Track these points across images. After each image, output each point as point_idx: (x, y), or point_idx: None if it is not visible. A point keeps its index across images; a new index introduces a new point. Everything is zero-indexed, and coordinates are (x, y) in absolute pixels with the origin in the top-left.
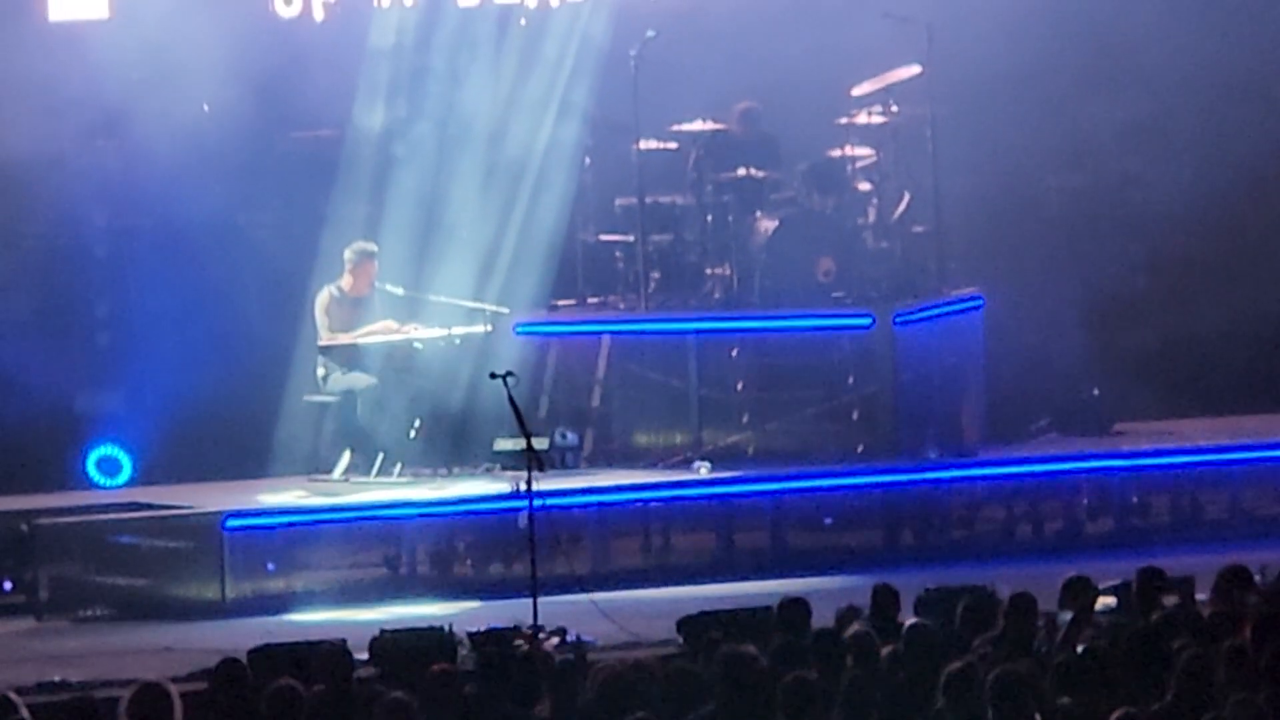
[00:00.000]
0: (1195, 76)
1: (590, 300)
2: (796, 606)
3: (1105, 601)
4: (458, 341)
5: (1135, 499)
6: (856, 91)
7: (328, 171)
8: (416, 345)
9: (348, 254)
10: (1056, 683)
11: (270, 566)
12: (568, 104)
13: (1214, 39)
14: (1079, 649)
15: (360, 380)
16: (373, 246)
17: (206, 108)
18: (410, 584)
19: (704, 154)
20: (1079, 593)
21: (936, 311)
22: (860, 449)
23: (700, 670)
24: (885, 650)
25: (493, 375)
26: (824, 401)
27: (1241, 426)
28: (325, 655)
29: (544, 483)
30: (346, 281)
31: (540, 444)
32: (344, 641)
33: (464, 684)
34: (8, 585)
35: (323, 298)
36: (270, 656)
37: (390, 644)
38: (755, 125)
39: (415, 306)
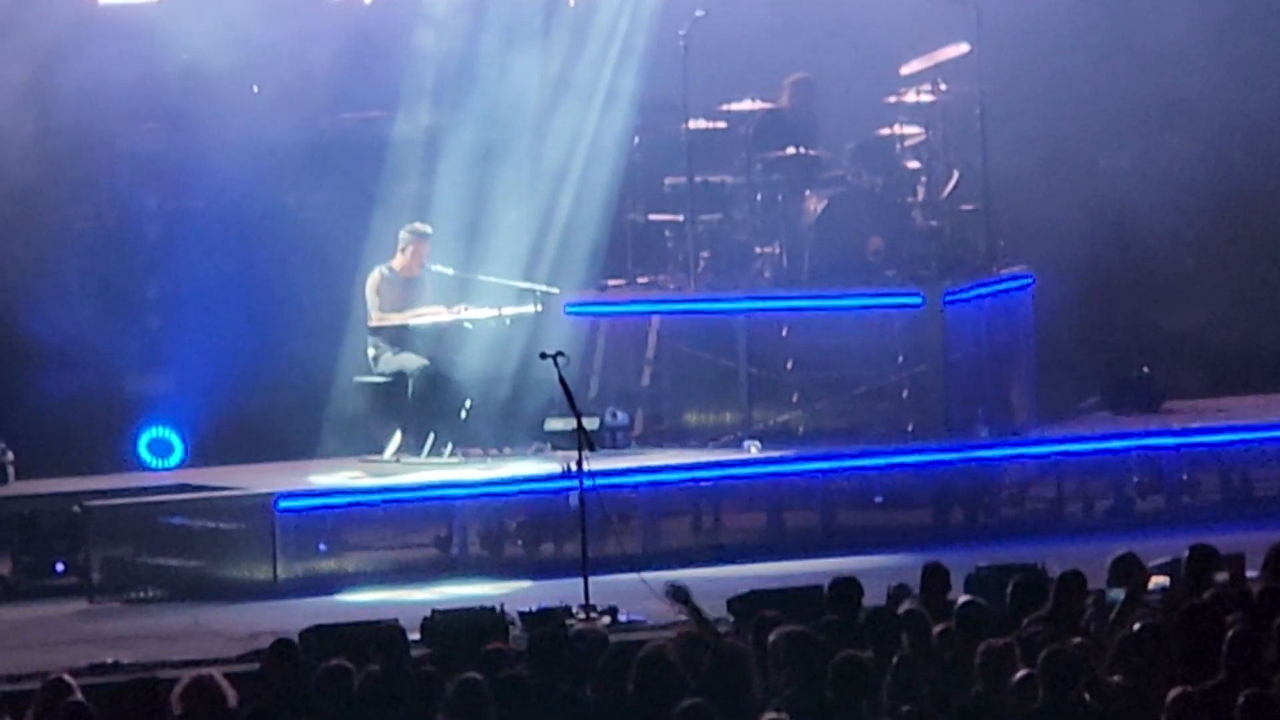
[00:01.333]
0: (1243, 55)
1: (640, 280)
2: (849, 586)
3: (1159, 581)
4: (508, 322)
5: (1185, 476)
6: (905, 70)
7: (377, 153)
8: (467, 326)
9: (402, 234)
10: (1109, 661)
11: (322, 547)
12: (616, 84)
13: (1262, 18)
14: (1134, 627)
15: (411, 361)
16: (427, 228)
17: (256, 89)
18: (461, 564)
19: (753, 133)
20: (1129, 571)
21: (986, 290)
22: (910, 428)
23: (751, 649)
24: (937, 629)
25: (543, 355)
26: (874, 380)
27: None
28: (381, 635)
29: (594, 462)
30: (398, 261)
31: (591, 424)
32: (396, 621)
33: (516, 663)
34: (60, 567)
35: (374, 278)
36: (324, 637)
37: (442, 624)
38: (807, 97)
39: (465, 287)
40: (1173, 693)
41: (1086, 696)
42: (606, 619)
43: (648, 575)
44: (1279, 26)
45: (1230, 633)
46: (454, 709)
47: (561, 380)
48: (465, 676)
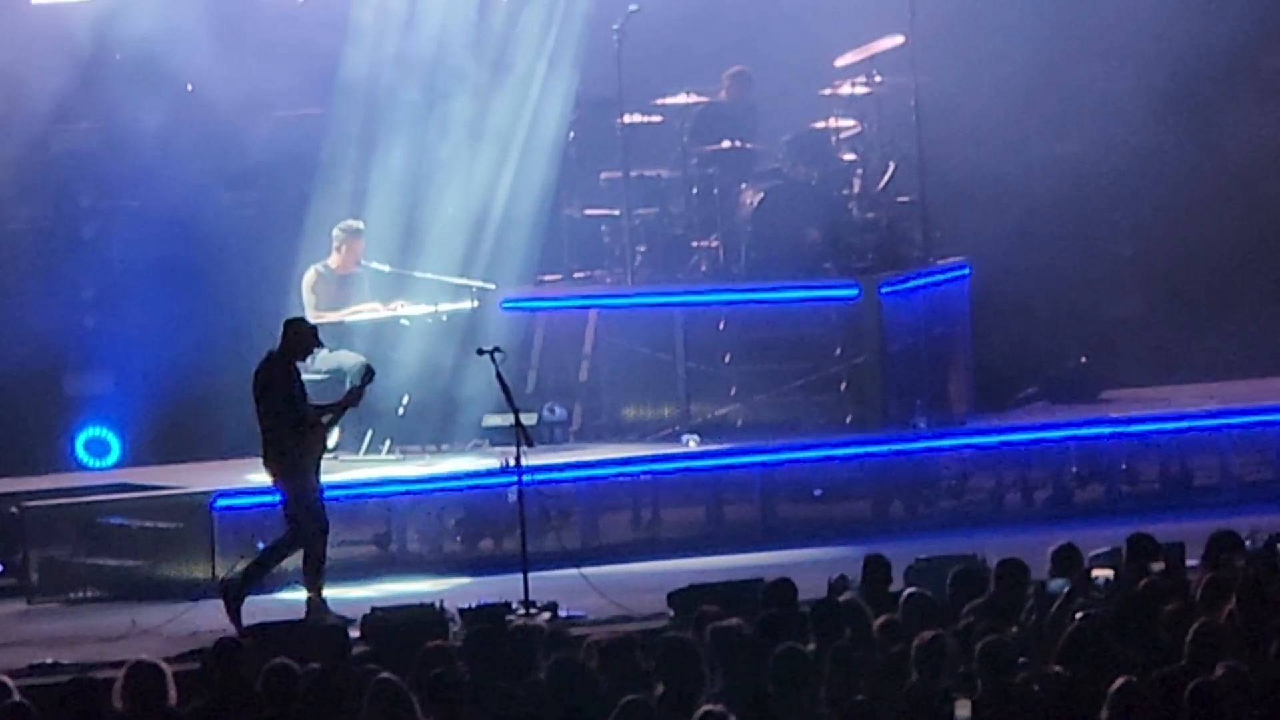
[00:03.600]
0: (1179, 45)
1: (577, 275)
2: (783, 588)
3: (1103, 573)
4: (445, 318)
5: (1124, 466)
6: (840, 62)
7: (313, 150)
8: (404, 322)
9: (335, 232)
10: (1049, 652)
11: (261, 545)
12: (551, 80)
13: (1198, 8)
14: (1076, 617)
15: (348, 358)
16: (359, 224)
17: (190, 88)
18: (400, 561)
19: (692, 126)
20: (1069, 561)
21: (923, 281)
22: (848, 420)
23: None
24: (879, 620)
25: (480, 351)
26: (812, 373)
27: (1229, 392)
28: (322, 634)
29: (533, 458)
30: (334, 259)
31: (529, 419)
32: (342, 619)
33: (456, 660)
34: None
35: (309, 277)
36: (265, 635)
37: (381, 621)
38: (746, 90)
39: (402, 283)
40: (1116, 683)
41: (1030, 687)
42: (546, 615)
43: (587, 570)
44: (1214, 17)
45: (1174, 622)
46: (376, 709)
47: (499, 376)
48: (382, 677)
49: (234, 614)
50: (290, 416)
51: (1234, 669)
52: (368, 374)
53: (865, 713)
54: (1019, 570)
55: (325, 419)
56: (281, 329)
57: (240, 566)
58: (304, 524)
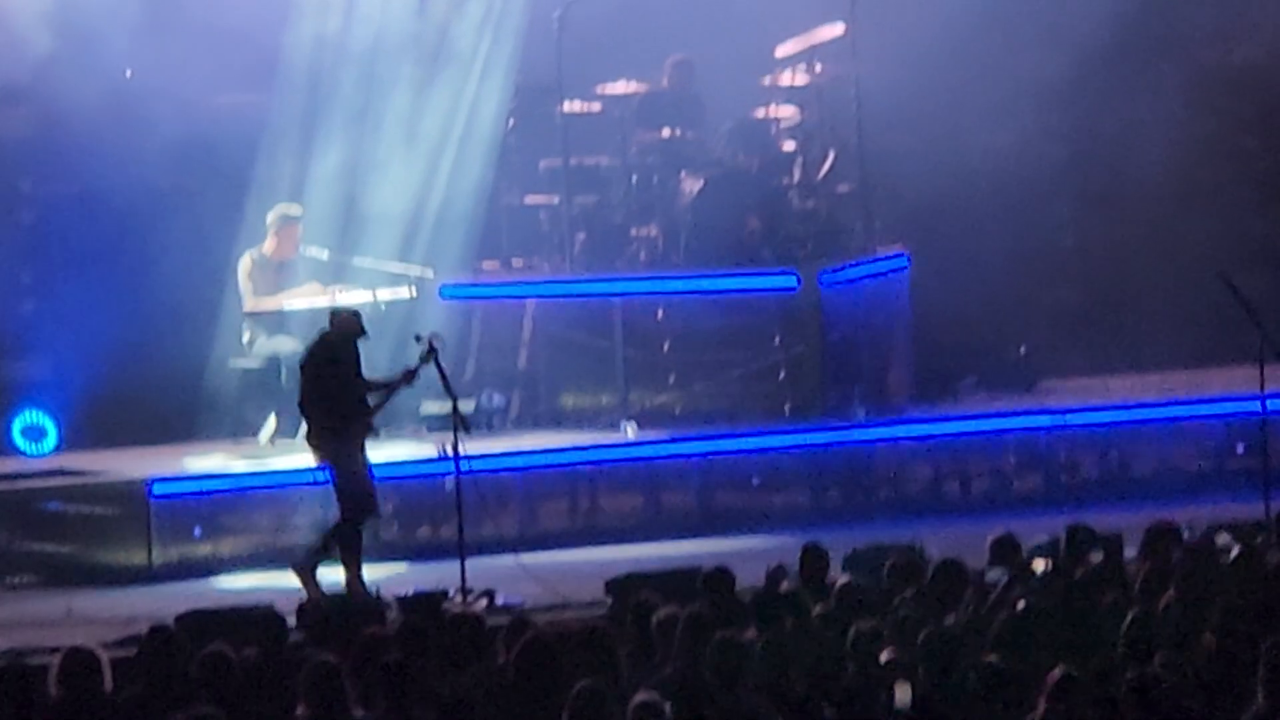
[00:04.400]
0: (1117, 34)
1: (515, 262)
2: (720, 577)
3: (1042, 564)
4: (383, 306)
5: (1063, 456)
6: (780, 51)
7: (251, 137)
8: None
9: (270, 218)
10: (987, 641)
11: (197, 532)
12: (491, 66)
13: None
14: (1016, 607)
15: (285, 345)
16: (296, 210)
17: (129, 73)
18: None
19: (635, 113)
20: (1007, 551)
21: (862, 271)
22: (787, 409)
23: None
24: (817, 609)
25: (417, 338)
26: (751, 362)
27: (1168, 383)
28: (257, 620)
29: (470, 445)
30: (269, 245)
31: (466, 406)
32: (273, 606)
33: (391, 648)
34: None
35: (245, 263)
36: (201, 622)
37: (318, 609)
38: (687, 79)
39: (340, 270)
40: (1054, 673)
41: (968, 676)
42: (483, 602)
43: (525, 558)
44: (1150, 4)
45: (1112, 612)
46: (310, 691)
47: (437, 363)
48: (319, 660)
49: (309, 583)
50: (356, 392)
51: (1171, 660)
52: (430, 351)
53: (802, 701)
54: (958, 568)
55: (375, 399)
56: (331, 320)
57: (311, 546)
58: (359, 501)
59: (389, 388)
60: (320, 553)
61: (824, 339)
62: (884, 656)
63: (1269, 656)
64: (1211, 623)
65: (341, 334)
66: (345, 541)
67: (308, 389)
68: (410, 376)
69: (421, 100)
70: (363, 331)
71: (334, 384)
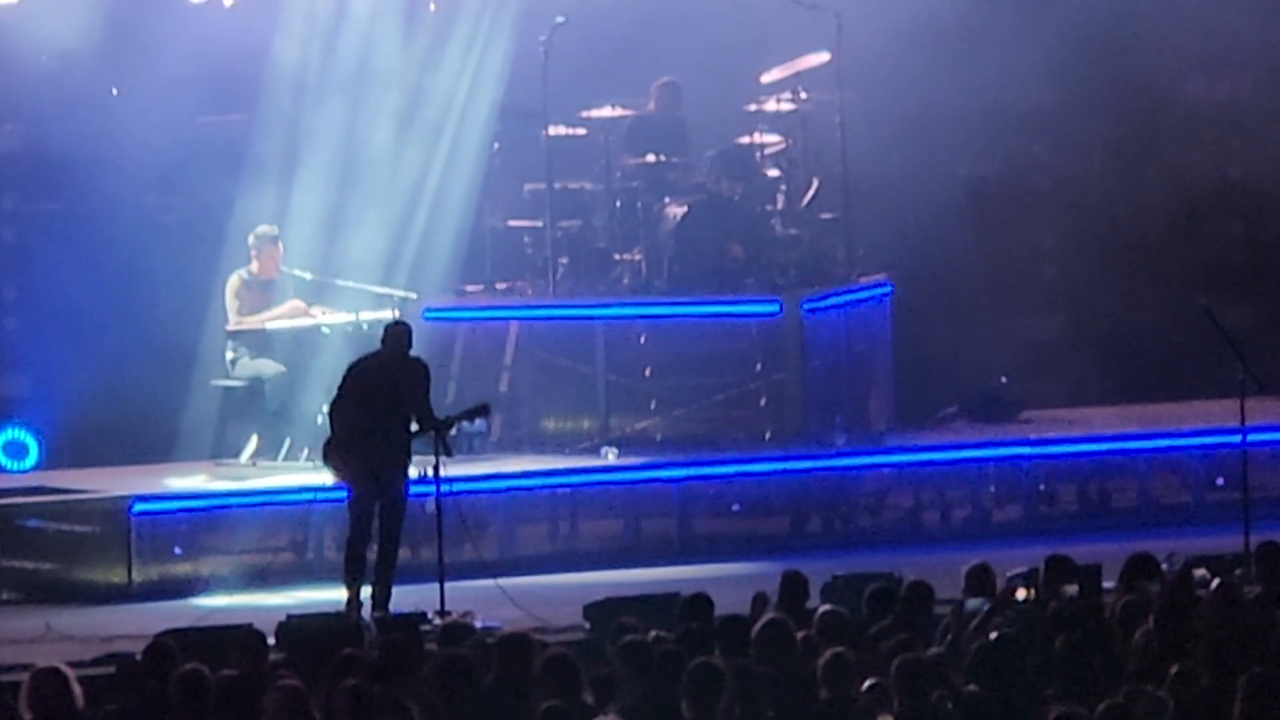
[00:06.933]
0: (1101, 65)
1: (498, 286)
2: (699, 603)
3: (1021, 594)
4: (365, 327)
5: (1043, 487)
6: (765, 78)
7: (236, 157)
8: (324, 330)
9: (250, 239)
10: (965, 670)
11: (177, 551)
12: (477, 90)
13: (1121, 32)
14: (991, 637)
15: (268, 366)
16: (274, 230)
17: (115, 92)
18: (317, 568)
19: (622, 138)
20: (983, 581)
21: (845, 298)
22: (768, 436)
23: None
24: (797, 637)
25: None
26: (732, 388)
27: (1149, 415)
28: (238, 640)
29: (451, 468)
30: (255, 265)
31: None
32: (252, 626)
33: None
34: None
35: (233, 282)
36: (181, 641)
37: (296, 629)
38: (675, 101)
39: (324, 291)
40: (1052, 713)
41: (945, 705)
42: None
43: (504, 581)
44: (1128, 41)
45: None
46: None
47: (468, 419)
48: (283, 683)
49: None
50: (391, 416)
51: (1137, 692)
52: (478, 416)
53: None
54: (925, 591)
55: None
56: (395, 331)
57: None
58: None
59: (425, 425)
60: (385, 589)
61: (805, 366)
62: (863, 685)
63: (1246, 690)
64: (1190, 655)
65: (407, 346)
66: (346, 563)
67: (346, 404)
68: (450, 424)
69: (407, 123)
70: (409, 345)
71: (369, 404)
